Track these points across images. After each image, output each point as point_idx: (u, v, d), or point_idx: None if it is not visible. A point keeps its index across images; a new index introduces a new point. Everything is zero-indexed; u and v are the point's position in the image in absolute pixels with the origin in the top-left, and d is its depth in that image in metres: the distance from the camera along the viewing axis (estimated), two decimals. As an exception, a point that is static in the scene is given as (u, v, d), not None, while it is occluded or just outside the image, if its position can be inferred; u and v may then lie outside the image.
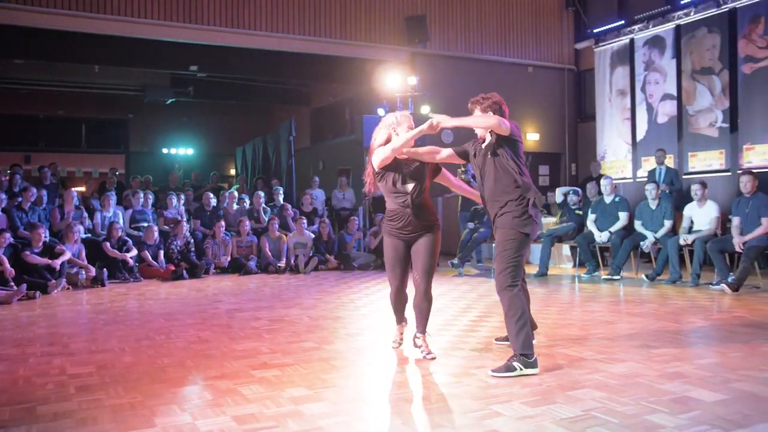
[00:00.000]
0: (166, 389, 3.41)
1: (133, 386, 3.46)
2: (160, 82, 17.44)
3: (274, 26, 11.37)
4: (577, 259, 9.04)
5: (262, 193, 10.77)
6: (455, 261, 8.89)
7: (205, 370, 3.83)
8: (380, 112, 11.65)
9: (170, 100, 18.86)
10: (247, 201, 10.76)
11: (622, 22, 12.57)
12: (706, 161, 10.81)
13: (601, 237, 8.51)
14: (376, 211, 11.05)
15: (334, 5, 11.83)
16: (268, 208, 10.64)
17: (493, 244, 9.11)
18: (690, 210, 7.90)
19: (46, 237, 7.91)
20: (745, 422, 2.81)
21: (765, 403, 3.07)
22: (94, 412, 3.02)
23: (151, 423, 2.87)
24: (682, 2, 11.32)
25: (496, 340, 4.47)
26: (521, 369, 3.58)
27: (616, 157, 12.45)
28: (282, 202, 10.97)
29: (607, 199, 8.68)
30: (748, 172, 7.54)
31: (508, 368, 3.60)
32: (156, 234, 9.09)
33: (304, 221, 10.01)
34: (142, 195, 10.01)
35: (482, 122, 3.91)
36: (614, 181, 9.15)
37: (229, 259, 9.43)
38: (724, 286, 6.91)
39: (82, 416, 2.97)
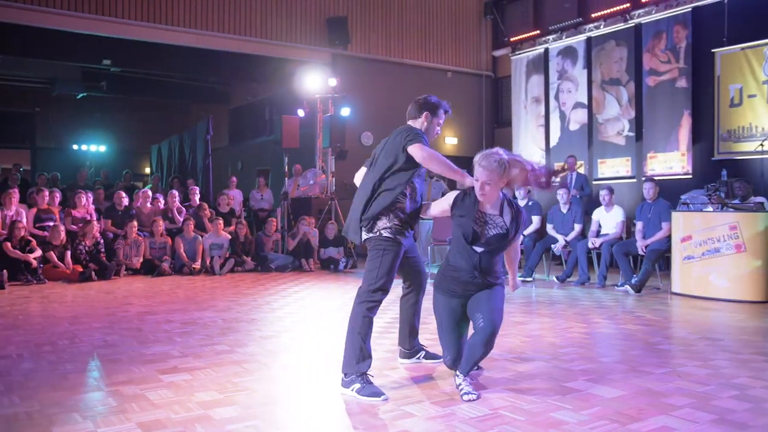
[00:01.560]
0: (67, 397, 3.26)
1: (31, 394, 3.29)
2: (70, 76, 16.63)
3: (191, 22, 11.08)
4: (492, 261, 9.25)
5: (176, 192, 10.48)
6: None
7: (111, 375, 3.69)
8: (300, 112, 11.59)
9: (81, 95, 18.04)
10: (162, 200, 10.44)
11: (537, 32, 12.99)
12: (614, 168, 11.32)
13: (514, 240, 8.76)
14: (294, 214, 10.95)
15: (255, 3, 11.66)
16: (183, 208, 10.36)
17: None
18: (598, 214, 8.25)
19: (-61, 236, 7.42)
20: (640, 416, 2.96)
21: (659, 398, 3.24)
22: (-15, 423, 2.86)
23: (48, 432, 2.74)
24: (592, 15, 11.82)
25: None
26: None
27: (531, 162, 12.82)
28: (198, 202, 10.71)
29: (521, 204, 8.95)
30: (650, 179, 7.97)
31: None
32: (63, 234, 8.68)
33: (221, 222, 9.80)
34: (48, 193, 9.52)
35: None
36: (528, 186, 9.44)
37: (141, 260, 9.11)
38: (627, 287, 7.27)
39: (-27, 427, 2.81)
